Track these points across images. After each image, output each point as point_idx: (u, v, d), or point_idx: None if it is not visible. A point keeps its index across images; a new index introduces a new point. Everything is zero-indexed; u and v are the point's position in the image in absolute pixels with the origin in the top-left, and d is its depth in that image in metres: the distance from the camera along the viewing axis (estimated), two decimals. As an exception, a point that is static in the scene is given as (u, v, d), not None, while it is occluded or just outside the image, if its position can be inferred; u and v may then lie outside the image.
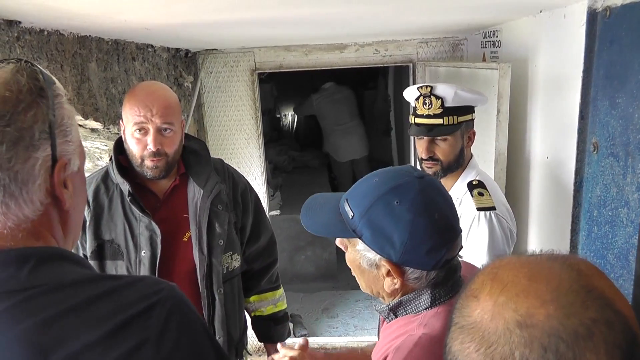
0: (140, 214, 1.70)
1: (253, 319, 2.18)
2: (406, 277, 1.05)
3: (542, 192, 2.12)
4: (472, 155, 1.92)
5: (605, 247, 1.47)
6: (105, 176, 1.77)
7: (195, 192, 1.79)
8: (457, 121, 1.81)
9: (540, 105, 2.17)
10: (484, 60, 2.93)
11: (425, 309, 1.07)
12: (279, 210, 3.70)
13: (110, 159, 1.76)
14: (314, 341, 3.72)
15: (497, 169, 2.26)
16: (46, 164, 0.78)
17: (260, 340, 2.22)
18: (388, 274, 1.06)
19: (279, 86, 6.72)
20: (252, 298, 2.14)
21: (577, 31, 1.74)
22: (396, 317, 1.11)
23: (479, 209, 1.72)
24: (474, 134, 1.90)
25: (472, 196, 1.75)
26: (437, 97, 1.82)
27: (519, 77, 2.32)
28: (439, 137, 1.83)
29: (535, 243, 2.21)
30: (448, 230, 1.04)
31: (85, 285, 0.79)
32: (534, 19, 2.22)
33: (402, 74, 5.38)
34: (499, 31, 2.71)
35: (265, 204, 3.51)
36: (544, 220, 2.11)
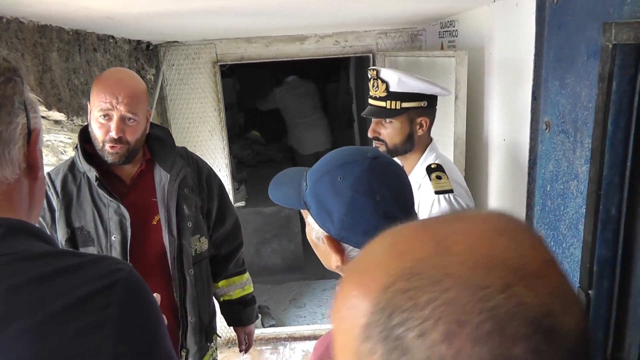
0: (109, 198, 1.72)
1: (222, 303, 2.22)
2: (346, 254, 1.04)
3: (500, 172, 2.21)
4: (431, 140, 1.98)
5: (557, 219, 1.56)
6: (72, 166, 1.79)
7: (162, 177, 1.82)
8: (401, 107, 1.87)
9: (496, 90, 2.26)
10: (442, 49, 3.02)
11: None
12: (244, 202, 3.71)
13: (76, 147, 1.76)
14: (283, 331, 3.76)
15: (457, 152, 2.35)
16: (24, 130, 0.83)
17: (229, 324, 2.26)
18: (332, 251, 1.05)
19: (241, 81, 6.70)
20: (220, 283, 2.18)
21: (528, 19, 1.82)
22: None
23: (437, 192, 1.78)
24: (426, 122, 1.93)
25: (430, 180, 1.81)
26: (383, 81, 1.88)
27: (476, 64, 2.40)
28: (385, 120, 1.90)
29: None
30: (388, 215, 1.00)
31: (51, 259, 0.82)
32: (488, 9, 2.31)
33: (363, 67, 5.46)
34: (455, 21, 2.79)
35: (230, 196, 3.53)
36: (502, 198, 2.20)
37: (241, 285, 2.24)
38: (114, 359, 0.78)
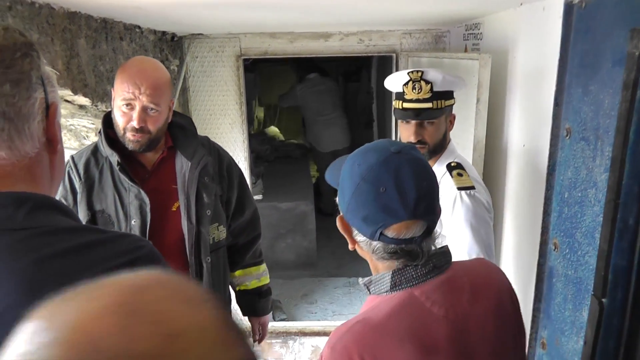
0: (130, 183, 1.75)
1: (237, 293, 2.25)
2: (354, 236, 1.11)
3: (518, 178, 2.20)
4: (450, 139, 1.99)
5: (574, 227, 1.55)
6: (95, 150, 1.82)
7: (183, 164, 1.85)
8: (444, 105, 1.89)
9: (518, 95, 2.25)
10: (465, 51, 3.00)
11: (386, 292, 1.09)
12: (261, 195, 3.73)
13: (100, 132, 1.79)
14: (293, 325, 3.78)
15: (475, 156, 2.34)
16: (42, 105, 0.85)
17: (244, 314, 2.28)
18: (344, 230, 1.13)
19: (262, 76, 6.74)
20: (236, 273, 2.20)
21: (555, 23, 1.81)
22: (370, 293, 1.15)
23: (459, 189, 1.79)
24: (454, 117, 1.98)
25: (451, 177, 1.82)
26: (427, 82, 1.89)
27: (499, 68, 2.39)
28: (427, 121, 1.90)
29: (510, 227, 2.29)
30: (388, 208, 1.03)
31: (75, 234, 0.85)
32: (514, 12, 2.29)
33: (385, 67, 5.45)
34: (480, 24, 2.78)
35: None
36: (519, 204, 2.19)
37: (257, 276, 2.26)
38: None
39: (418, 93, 1.89)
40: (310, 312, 4.08)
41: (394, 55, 3.38)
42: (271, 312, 3.91)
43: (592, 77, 1.49)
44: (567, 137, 1.60)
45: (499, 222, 2.37)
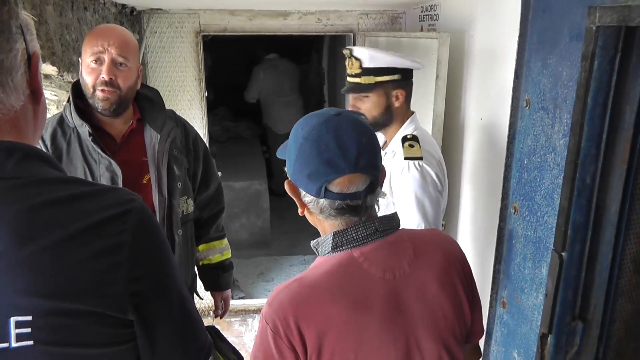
0: (101, 154, 1.73)
1: (201, 268, 2.26)
2: (302, 198, 1.15)
3: (476, 149, 2.33)
4: (413, 113, 2.08)
5: (533, 190, 1.68)
6: (61, 120, 1.78)
7: (152, 137, 1.84)
8: (375, 81, 1.99)
9: (475, 72, 2.37)
10: (421, 32, 3.11)
11: (328, 253, 1.14)
12: (220, 172, 3.74)
13: (68, 101, 1.76)
14: (252, 303, 3.83)
15: (435, 130, 2.45)
16: (24, 56, 0.83)
17: (207, 289, 2.30)
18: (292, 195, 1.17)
19: (213, 56, 6.66)
20: (200, 247, 2.22)
21: (511, 3, 1.93)
22: (319, 254, 1.19)
23: (406, 158, 1.89)
24: (402, 94, 2.03)
25: (402, 147, 1.92)
26: (357, 59, 2.00)
27: (456, 47, 2.51)
28: (362, 95, 2.01)
29: (469, 196, 2.42)
30: (330, 162, 1.07)
31: (66, 184, 0.85)
32: (471, -6, 2.41)
33: (336, 48, 5.52)
34: (437, 5, 2.89)
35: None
36: (477, 174, 2.32)
37: (220, 250, 2.28)
38: (129, 284, 0.83)
39: (351, 68, 2.02)
40: (268, 290, 4.14)
41: (352, 34, 3.45)
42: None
43: (551, 51, 1.61)
44: (527, 108, 1.72)
45: (457, 192, 2.50)
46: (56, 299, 0.78)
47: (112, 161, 1.74)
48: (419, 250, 1.18)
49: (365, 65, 1.98)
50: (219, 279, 2.27)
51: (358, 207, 1.12)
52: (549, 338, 1.56)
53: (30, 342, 0.77)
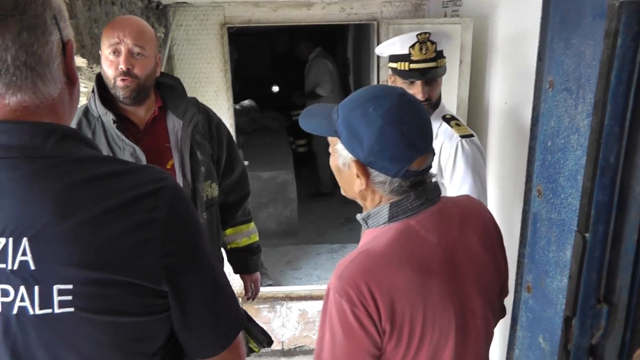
0: (125, 142, 1.78)
1: (229, 252, 2.31)
2: (371, 179, 1.17)
3: (500, 133, 2.32)
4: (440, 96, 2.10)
5: (557, 172, 1.67)
6: (86, 111, 1.84)
7: (174, 123, 1.89)
8: (444, 63, 2.02)
9: (499, 56, 2.35)
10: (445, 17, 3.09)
11: (384, 224, 1.19)
12: (247, 162, 3.79)
13: (93, 91, 1.82)
14: (280, 290, 3.88)
15: (459, 114, 2.45)
16: (59, 46, 0.88)
17: (236, 272, 2.35)
18: (357, 175, 1.17)
19: (239, 49, 6.72)
20: (227, 231, 2.27)
21: (535, -15, 1.91)
22: (368, 227, 1.24)
23: (462, 137, 1.91)
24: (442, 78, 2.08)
25: (451, 127, 1.94)
26: (432, 42, 2.00)
27: (479, 32, 2.49)
28: (432, 80, 2.02)
29: (493, 179, 2.41)
30: (413, 145, 1.12)
31: (104, 162, 0.91)
32: (494, -23, 2.39)
33: (361, 39, 5.51)
34: (460, -10, 2.87)
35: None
36: (502, 158, 2.31)
37: (247, 234, 2.33)
38: (162, 257, 0.88)
39: (425, 53, 2.00)
40: (296, 278, 4.18)
41: (375, 23, 3.44)
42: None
43: (574, 31, 1.59)
44: (550, 89, 1.71)
45: (482, 177, 2.49)
46: (94, 269, 0.83)
47: (136, 147, 1.79)
48: (463, 215, 1.26)
49: (440, 47, 2.00)
50: (247, 262, 2.33)
51: (425, 182, 1.19)
52: (573, 321, 1.55)
53: (71, 309, 0.83)
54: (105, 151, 1.80)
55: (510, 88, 2.22)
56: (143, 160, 1.79)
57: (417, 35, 2.03)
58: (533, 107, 1.81)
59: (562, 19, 1.68)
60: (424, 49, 2.01)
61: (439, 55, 2.00)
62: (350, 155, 1.16)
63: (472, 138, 1.91)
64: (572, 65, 1.59)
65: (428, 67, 2.01)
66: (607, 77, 1.33)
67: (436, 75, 2.01)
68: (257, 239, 2.36)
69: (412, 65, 2.03)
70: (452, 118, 1.97)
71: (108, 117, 1.78)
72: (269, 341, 2.21)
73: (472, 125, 2.55)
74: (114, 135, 1.80)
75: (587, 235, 1.45)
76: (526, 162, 1.88)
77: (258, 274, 2.39)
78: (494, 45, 2.40)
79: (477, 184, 1.88)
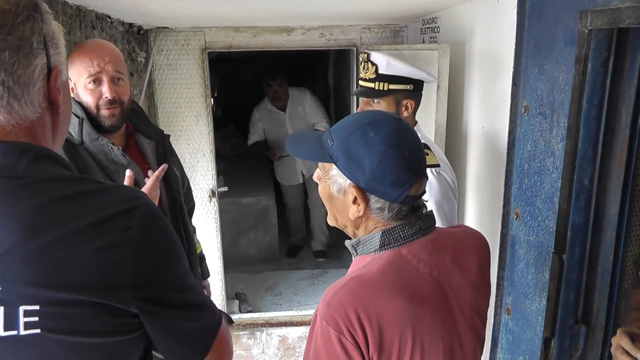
0: (122, 163, 1.76)
1: None
2: (370, 205, 1.14)
3: (479, 158, 2.34)
4: (416, 122, 2.11)
5: (534, 195, 1.69)
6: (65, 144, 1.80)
7: (146, 145, 1.92)
8: (388, 88, 2.02)
9: (476, 82, 2.40)
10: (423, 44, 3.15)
11: (374, 251, 1.16)
12: (226, 187, 3.78)
13: (81, 120, 1.78)
14: (260, 316, 3.83)
15: (437, 140, 2.47)
16: (43, 71, 0.86)
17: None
18: (354, 201, 1.14)
19: (220, 75, 6.73)
20: None
21: (509, 13, 1.96)
22: (357, 254, 1.21)
23: (427, 166, 1.92)
24: (411, 104, 2.07)
25: None
26: (373, 64, 2.03)
27: (457, 58, 2.54)
28: (374, 100, 2.04)
29: (472, 203, 2.43)
30: (413, 169, 1.11)
31: (74, 182, 0.89)
32: (470, 6, 2.44)
33: (342, 65, 5.56)
34: (437, 18, 2.92)
35: (214, 181, 3.60)
36: (480, 182, 2.33)
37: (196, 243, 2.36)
38: (133, 276, 0.86)
39: (365, 73, 2.05)
40: (276, 304, 4.14)
41: (355, 49, 3.50)
42: (237, 304, 3.97)
43: (546, 57, 1.63)
44: (525, 114, 1.74)
45: (462, 200, 2.51)
46: (61, 289, 0.81)
47: (136, 164, 1.79)
48: (457, 247, 1.23)
49: (381, 71, 2.01)
50: (202, 269, 2.35)
51: (419, 208, 1.18)
52: (552, 342, 1.56)
53: (38, 330, 0.81)
54: (100, 176, 1.77)
55: (487, 113, 2.26)
56: (142, 177, 1.78)
57: (360, 54, 2.10)
58: (509, 131, 1.84)
59: (536, 46, 1.72)
60: (365, 68, 2.05)
61: (382, 78, 2.01)
62: (348, 181, 1.13)
63: (437, 169, 1.93)
64: (546, 90, 1.63)
65: (366, 86, 2.05)
66: (579, 101, 1.36)
67: (373, 96, 2.03)
68: (201, 248, 2.38)
69: (360, 82, 2.10)
70: (425, 147, 1.99)
71: (99, 142, 1.75)
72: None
73: (450, 150, 2.58)
74: (104, 161, 1.77)
75: (564, 256, 1.47)
76: (503, 186, 1.90)
77: (208, 281, 2.40)
78: (471, 71, 2.44)
79: (439, 214, 1.89)
